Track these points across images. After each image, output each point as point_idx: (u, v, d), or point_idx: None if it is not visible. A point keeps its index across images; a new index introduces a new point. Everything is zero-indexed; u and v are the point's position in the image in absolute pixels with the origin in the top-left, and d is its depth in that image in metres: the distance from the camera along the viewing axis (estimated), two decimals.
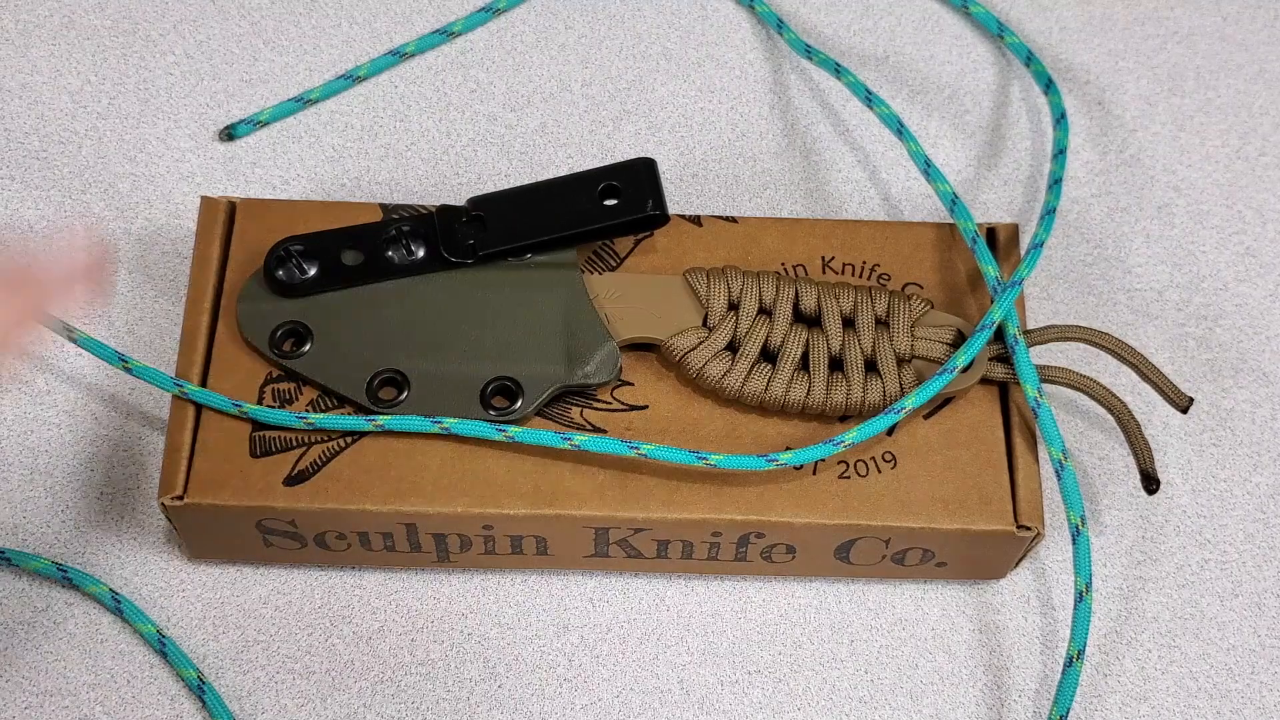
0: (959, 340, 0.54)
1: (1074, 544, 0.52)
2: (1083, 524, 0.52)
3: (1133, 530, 0.57)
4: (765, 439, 0.53)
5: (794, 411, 0.53)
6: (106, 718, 0.53)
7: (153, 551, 0.55)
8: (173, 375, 0.53)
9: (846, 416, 0.53)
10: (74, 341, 0.54)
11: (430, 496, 0.51)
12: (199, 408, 0.52)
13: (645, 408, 0.53)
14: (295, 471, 0.52)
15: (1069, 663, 0.52)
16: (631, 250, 0.56)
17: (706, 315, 0.53)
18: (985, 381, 0.54)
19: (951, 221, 0.56)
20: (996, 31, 0.65)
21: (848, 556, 0.54)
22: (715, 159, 0.64)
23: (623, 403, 0.53)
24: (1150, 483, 0.53)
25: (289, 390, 0.53)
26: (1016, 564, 0.55)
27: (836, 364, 0.53)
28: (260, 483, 0.51)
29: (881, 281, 0.55)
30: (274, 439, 0.52)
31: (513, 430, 0.51)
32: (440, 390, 0.52)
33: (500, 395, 0.53)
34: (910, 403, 0.51)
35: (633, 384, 0.54)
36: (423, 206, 0.56)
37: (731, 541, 0.53)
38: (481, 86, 0.65)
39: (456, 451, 0.52)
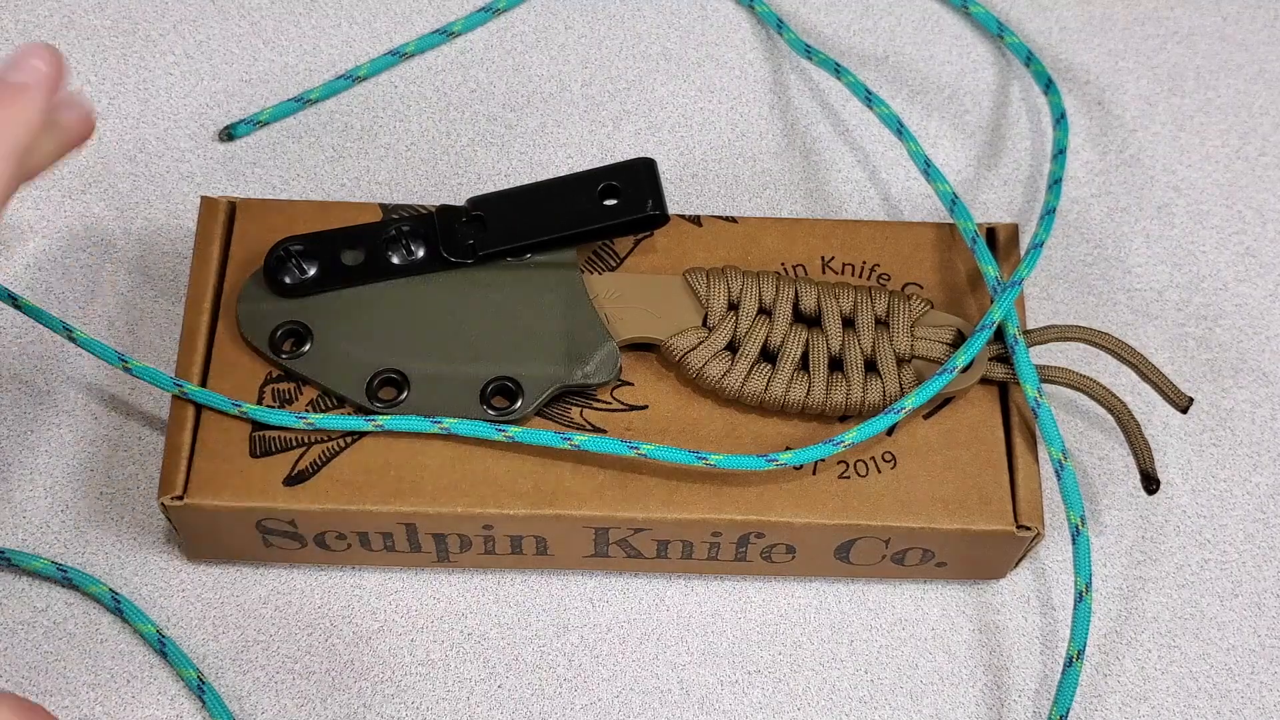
0: (959, 340, 0.54)
1: (1074, 544, 0.52)
2: (1083, 524, 0.52)
3: (1133, 530, 0.57)
4: (765, 439, 0.53)
5: (794, 411, 0.53)
6: (106, 718, 0.53)
7: (153, 551, 0.55)
8: (173, 375, 0.53)
9: (846, 416, 0.53)
10: (74, 341, 0.54)
11: (430, 496, 0.51)
12: (199, 408, 0.52)
13: (645, 408, 0.53)
14: (295, 471, 0.52)
15: (1069, 663, 0.52)
16: (631, 250, 0.56)
17: (706, 315, 0.53)
18: (985, 381, 0.54)
19: (951, 221, 0.56)
20: (996, 32, 0.65)
21: (848, 556, 0.54)
22: (715, 159, 0.64)
23: (623, 403, 0.53)
24: (1150, 483, 0.53)
25: (289, 390, 0.53)
26: (1016, 564, 0.55)
27: (836, 364, 0.53)
28: (260, 483, 0.51)
29: (881, 281, 0.55)
30: (274, 439, 0.52)
31: (512, 430, 0.51)
32: (440, 390, 0.52)
33: (500, 395, 0.53)
34: (910, 403, 0.51)
35: (633, 384, 0.54)
36: (423, 206, 0.56)
37: (731, 541, 0.53)
38: (481, 86, 0.65)
39: (456, 451, 0.52)
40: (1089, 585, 0.52)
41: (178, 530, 0.53)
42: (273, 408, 0.52)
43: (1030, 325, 0.59)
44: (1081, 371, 0.57)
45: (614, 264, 0.55)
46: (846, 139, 0.64)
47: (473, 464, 0.52)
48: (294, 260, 0.54)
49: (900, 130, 0.59)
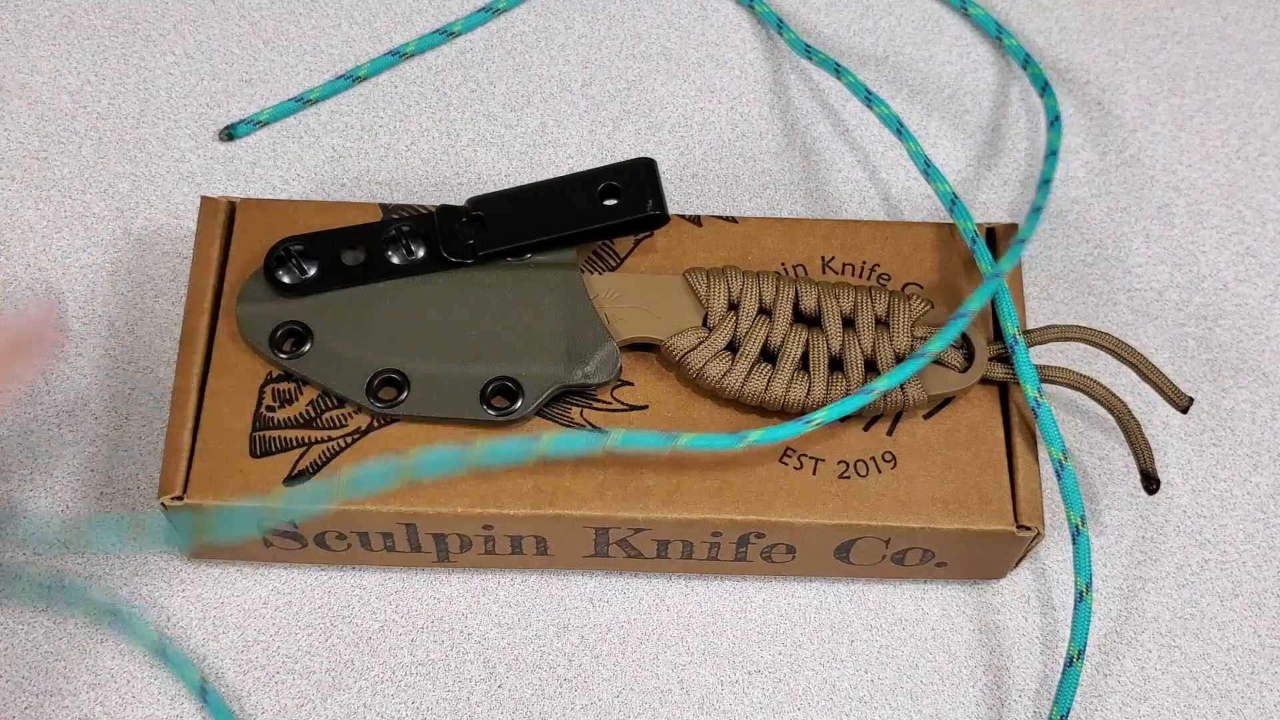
0: (960, 340, 0.54)
1: (1074, 544, 0.52)
2: (1083, 524, 0.52)
3: (1133, 530, 0.57)
4: None
5: (794, 411, 0.53)
6: (106, 718, 0.53)
7: (153, 551, 0.55)
8: (173, 375, 0.53)
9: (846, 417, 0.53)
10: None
11: (430, 496, 0.51)
12: (199, 408, 0.52)
13: (645, 408, 0.53)
14: (295, 471, 0.52)
15: (1069, 663, 0.52)
16: (631, 250, 0.56)
17: (706, 315, 0.53)
18: (985, 381, 0.54)
19: (951, 221, 0.56)
20: (995, 34, 0.65)
21: (848, 556, 0.54)
22: (715, 159, 0.64)
23: (623, 403, 0.53)
24: (1150, 483, 0.53)
25: (289, 390, 0.53)
26: (1016, 564, 0.55)
27: (836, 364, 0.53)
28: (260, 483, 0.51)
29: (881, 281, 0.55)
30: (274, 439, 0.52)
31: (613, 439, 0.49)
32: (440, 390, 0.52)
33: (500, 395, 0.53)
34: (882, 385, 0.51)
35: (633, 384, 0.54)
36: (423, 206, 0.56)
37: (731, 541, 0.53)
38: (481, 86, 0.65)
39: None
40: (1089, 585, 0.52)
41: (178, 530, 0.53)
42: (272, 408, 0.52)
43: (1030, 325, 0.59)
44: (1081, 371, 0.57)
45: (614, 264, 0.55)
46: (847, 139, 0.64)
47: None
48: (294, 260, 0.54)
49: (900, 130, 0.59)
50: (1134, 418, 0.54)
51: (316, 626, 0.55)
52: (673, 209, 0.61)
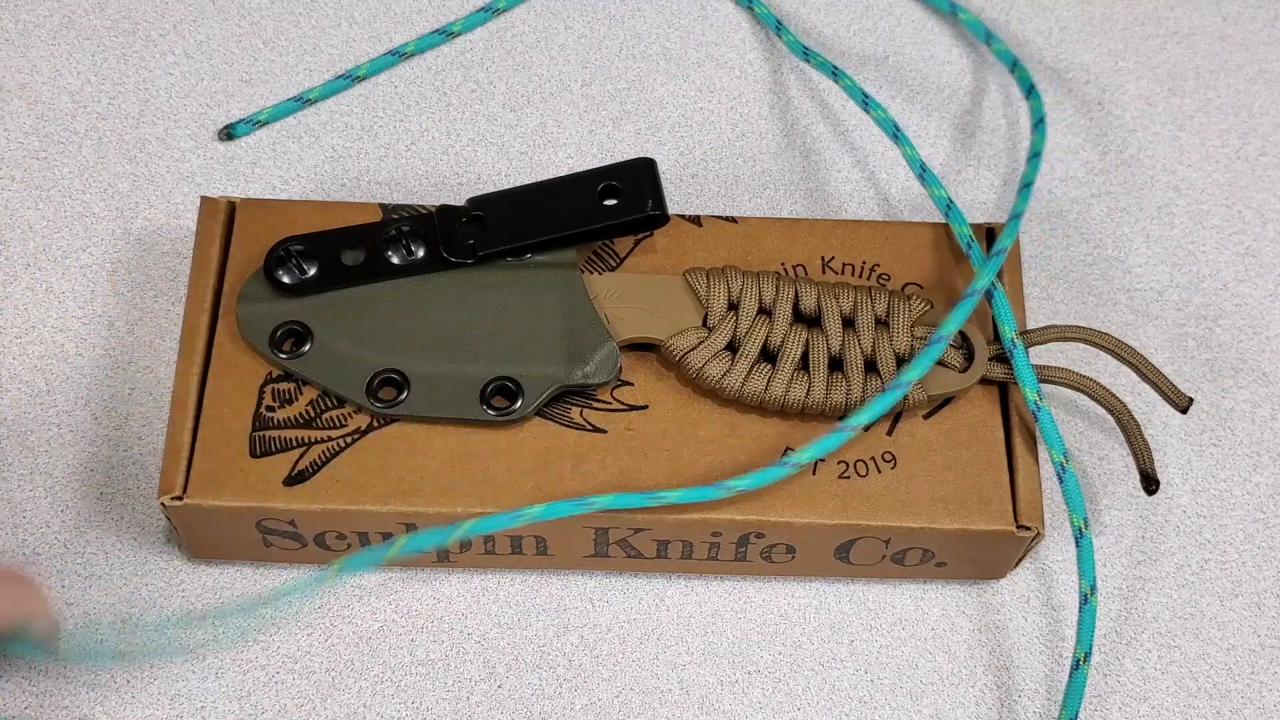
0: (959, 340, 0.54)
1: (1077, 547, 0.52)
2: (1085, 527, 0.52)
3: (1133, 530, 0.57)
4: (765, 439, 0.53)
5: (794, 411, 0.53)
6: (106, 718, 0.53)
7: (153, 551, 0.55)
8: (173, 375, 0.53)
9: (846, 416, 0.53)
10: None
11: (430, 496, 0.51)
12: (199, 408, 0.52)
13: (645, 408, 0.53)
14: (295, 471, 0.52)
15: (1075, 666, 0.52)
16: (631, 250, 0.56)
17: (706, 315, 0.53)
18: (985, 381, 0.54)
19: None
20: (984, 39, 0.65)
21: (848, 556, 0.54)
22: (715, 159, 0.64)
23: (623, 403, 0.53)
24: (1150, 483, 0.53)
25: (289, 390, 0.53)
26: (1016, 564, 0.55)
27: (836, 364, 0.53)
28: (260, 483, 0.51)
29: (881, 281, 0.55)
30: (274, 439, 0.52)
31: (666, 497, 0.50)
32: (440, 390, 0.52)
33: (500, 395, 0.53)
34: (910, 375, 0.51)
35: (633, 384, 0.54)
36: (423, 206, 0.56)
37: (731, 541, 0.53)
38: (481, 86, 0.65)
39: (456, 451, 0.52)
40: (1094, 588, 0.52)
41: (178, 530, 0.53)
42: (272, 408, 0.52)
43: (1030, 325, 0.59)
44: (1081, 371, 0.57)
45: (614, 264, 0.55)
46: (847, 139, 0.64)
47: (473, 464, 0.52)
48: (294, 260, 0.54)
49: (896, 135, 0.59)
50: (1134, 418, 0.54)
51: (316, 626, 0.55)
52: (673, 209, 0.61)
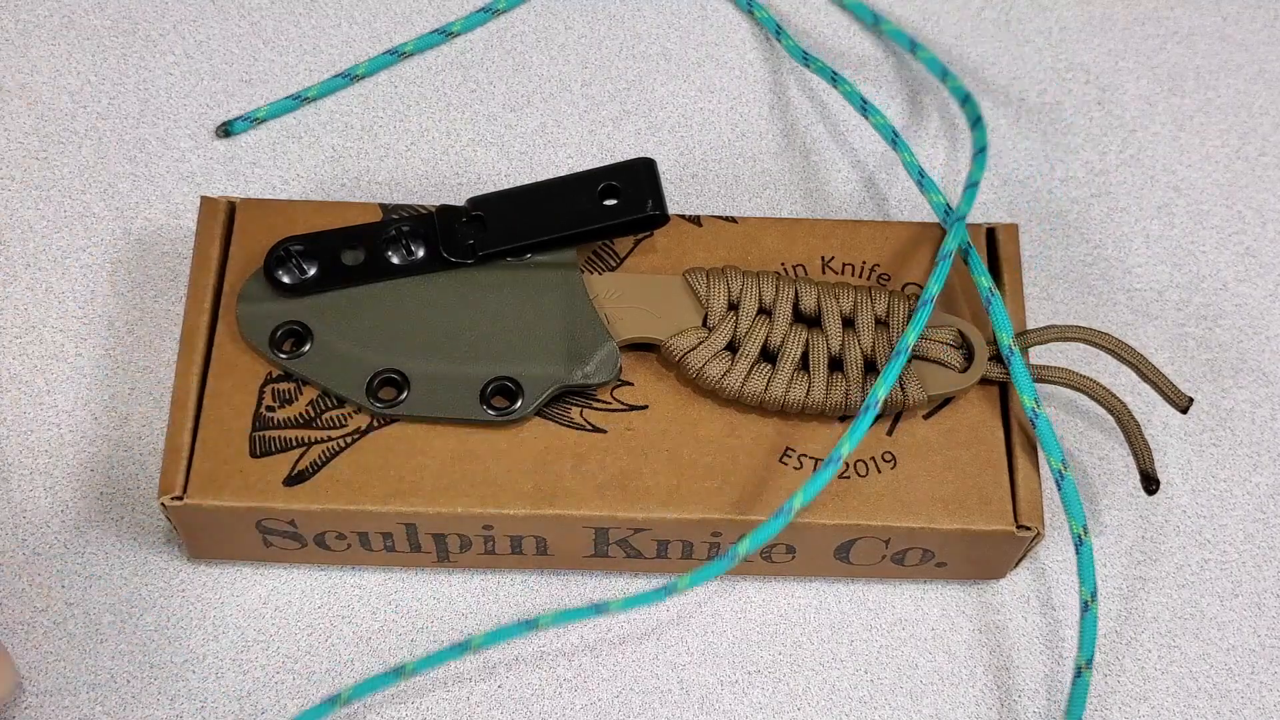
0: (960, 340, 0.54)
1: (1077, 554, 0.52)
2: (1085, 533, 0.52)
3: (1133, 530, 0.57)
4: (765, 439, 0.53)
5: (794, 411, 0.53)
6: (106, 717, 0.53)
7: (153, 551, 0.55)
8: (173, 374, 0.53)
9: (846, 416, 0.53)
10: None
11: (430, 496, 0.51)
12: (199, 408, 0.52)
13: (645, 408, 0.53)
14: (295, 471, 0.52)
15: (1078, 673, 0.52)
16: (631, 250, 0.56)
17: (706, 315, 0.53)
18: (985, 381, 0.54)
19: None
20: (909, 48, 0.65)
21: (847, 556, 0.54)
22: (715, 159, 0.64)
23: (623, 403, 0.53)
24: (1150, 483, 0.53)
25: (289, 390, 0.53)
26: (1016, 564, 0.55)
27: (836, 364, 0.53)
28: (260, 483, 0.51)
29: (881, 281, 0.55)
30: (274, 439, 0.52)
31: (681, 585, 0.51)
32: (440, 390, 0.52)
33: (500, 395, 0.53)
34: (881, 391, 0.51)
35: (633, 384, 0.54)
36: (423, 206, 0.56)
37: (731, 542, 0.53)
38: (481, 86, 0.65)
39: (456, 451, 0.52)
40: (1094, 595, 0.52)
41: (178, 530, 0.53)
42: (272, 408, 0.52)
43: (1030, 325, 0.59)
44: (1081, 372, 0.57)
45: (614, 264, 0.55)
46: (847, 138, 0.64)
47: (473, 464, 0.52)
48: (294, 260, 0.54)
49: (895, 141, 0.59)
50: (1134, 418, 0.54)
51: (316, 626, 0.55)
52: (673, 209, 0.61)
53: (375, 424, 0.52)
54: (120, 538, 0.56)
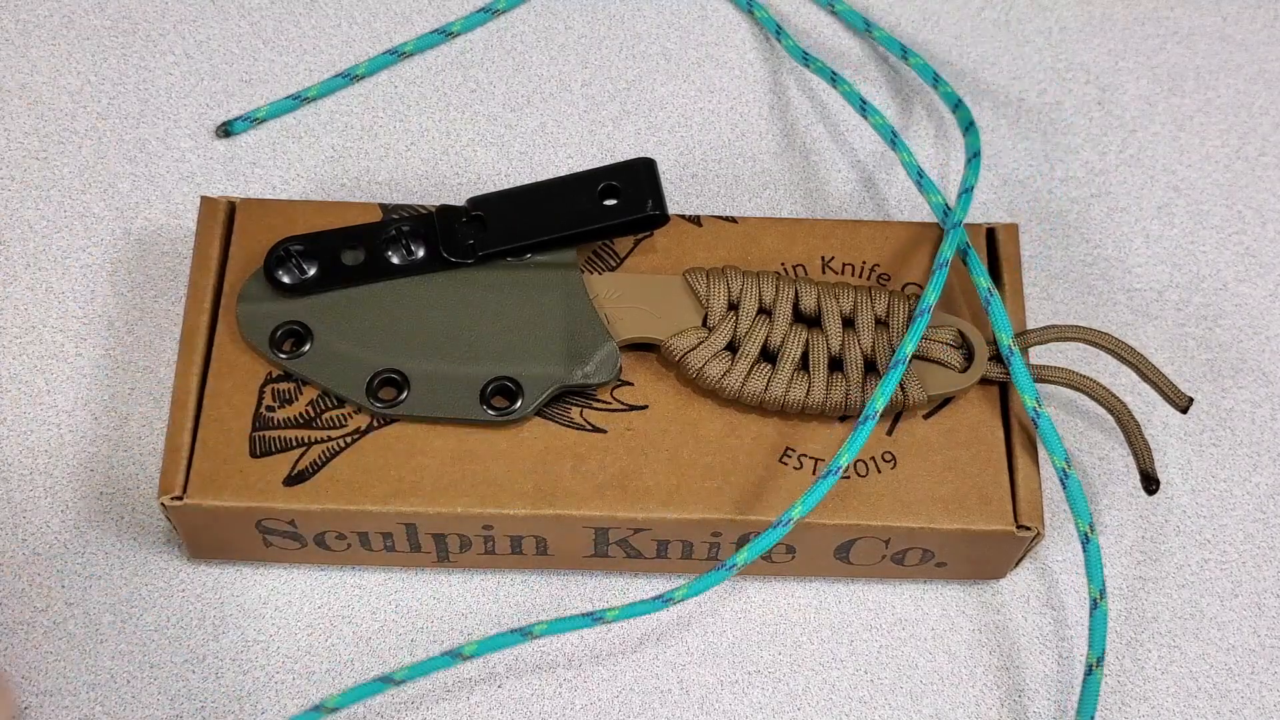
0: (960, 340, 0.54)
1: (1084, 552, 0.52)
2: (1092, 531, 0.52)
3: (1133, 530, 0.57)
4: (765, 439, 0.53)
5: (794, 411, 0.53)
6: (106, 717, 0.53)
7: (153, 551, 0.55)
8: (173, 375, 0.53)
9: (846, 416, 0.53)
10: None
11: (430, 496, 0.51)
12: (199, 408, 0.52)
13: (645, 408, 0.53)
14: (295, 471, 0.52)
15: (1089, 671, 0.52)
16: (631, 250, 0.56)
17: (706, 315, 0.53)
18: (985, 381, 0.54)
19: None
20: (901, 54, 0.64)
21: (847, 556, 0.54)
22: (715, 159, 0.64)
23: (623, 403, 0.53)
24: (1150, 483, 0.53)
25: (289, 390, 0.53)
26: (1016, 564, 0.55)
27: (836, 364, 0.53)
28: (260, 483, 0.51)
29: (881, 281, 0.55)
30: (274, 439, 0.52)
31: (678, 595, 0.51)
32: (440, 390, 0.52)
33: (500, 395, 0.53)
34: (882, 399, 0.51)
35: (633, 384, 0.54)
36: (423, 206, 0.56)
37: (731, 542, 0.53)
38: (481, 86, 0.65)
39: (456, 451, 0.52)
40: (1103, 593, 0.52)
41: (178, 530, 0.53)
42: (272, 407, 0.52)
43: (1030, 325, 0.59)
44: (1081, 372, 0.57)
45: (614, 264, 0.55)
46: (846, 139, 0.64)
47: (473, 464, 0.52)
48: (294, 260, 0.54)
49: (894, 141, 0.59)
50: (1134, 418, 0.54)
51: (316, 626, 0.55)
52: (673, 209, 0.61)
53: (375, 424, 0.52)
54: (120, 538, 0.56)
